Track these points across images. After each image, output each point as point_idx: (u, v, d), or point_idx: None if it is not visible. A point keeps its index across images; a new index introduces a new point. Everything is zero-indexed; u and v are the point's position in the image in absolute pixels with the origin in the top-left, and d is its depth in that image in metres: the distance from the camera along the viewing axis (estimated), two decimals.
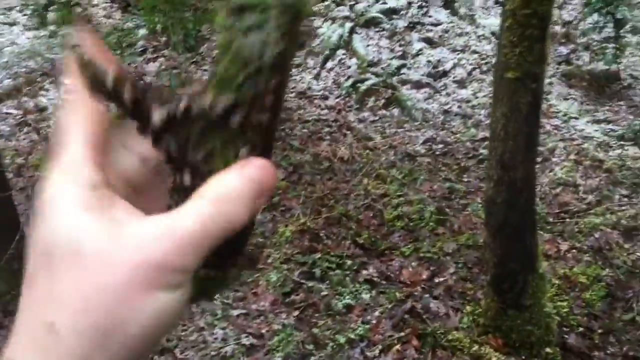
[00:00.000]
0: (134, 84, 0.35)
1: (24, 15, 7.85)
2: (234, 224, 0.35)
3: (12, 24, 7.68)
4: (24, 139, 5.08)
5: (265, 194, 0.36)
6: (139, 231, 0.34)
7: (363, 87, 5.94)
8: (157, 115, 0.35)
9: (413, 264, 3.48)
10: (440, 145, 5.05)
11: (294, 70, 6.68)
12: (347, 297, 3.17)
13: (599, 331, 2.92)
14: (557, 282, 3.24)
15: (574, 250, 3.56)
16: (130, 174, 0.39)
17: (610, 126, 5.35)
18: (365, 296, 3.19)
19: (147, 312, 0.34)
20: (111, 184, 0.36)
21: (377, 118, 5.58)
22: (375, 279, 3.34)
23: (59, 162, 0.36)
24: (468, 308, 3.03)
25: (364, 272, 3.40)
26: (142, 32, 6.19)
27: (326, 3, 7.55)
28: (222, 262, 0.38)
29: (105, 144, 0.37)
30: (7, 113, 5.47)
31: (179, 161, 0.37)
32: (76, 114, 0.37)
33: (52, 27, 7.32)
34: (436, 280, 3.35)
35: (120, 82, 0.35)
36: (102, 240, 0.33)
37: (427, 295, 3.19)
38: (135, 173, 0.39)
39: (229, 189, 0.35)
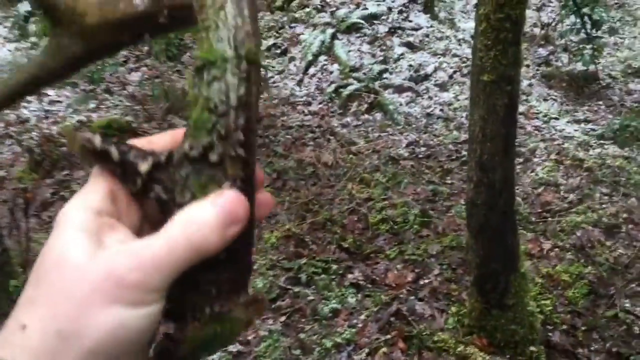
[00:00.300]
0: (118, 145, 0.41)
1: (4, 27, 7.80)
2: (203, 249, 0.38)
3: None
4: (6, 152, 5.04)
5: (236, 223, 0.39)
6: (115, 251, 0.38)
7: (346, 92, 5.98)
8: (144, 166, 0.41)
9: (398, 266, 3.50)
10: (423, 148, 5.09)
11: (277, 76, 6.70)
12: (333, 301, 3.19)
13: (583, 328, 2.96)
14: (540, 280, 3.28)
15: (557, 249, 3.60)
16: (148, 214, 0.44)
17: (590, 126, 5.44)
18: (351, 300, 3.21)
19: (104, 325, 0.36)
20: (123, 214, 0.42)
21: (360, 123, 5.62)
22: (360, 282, 3.36)
23: (84, 188, 0.42)
24: (453, 309, 3.06)
25: (350, 276, 3.42)
26: None
27: (307, 10, 7.58)
28: (223, 297, 0.41)
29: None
30: None
31: (169, 205, 0.41)
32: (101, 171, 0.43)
33: (33, 39, 7.28)
34: (421, 282, 3.37)
35: (105, 145, 0.41)
36: (84, 257, 0.37)
37: (412, 298, 3.21)
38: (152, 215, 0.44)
39: (199, 216, 0.38)
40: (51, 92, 6.03)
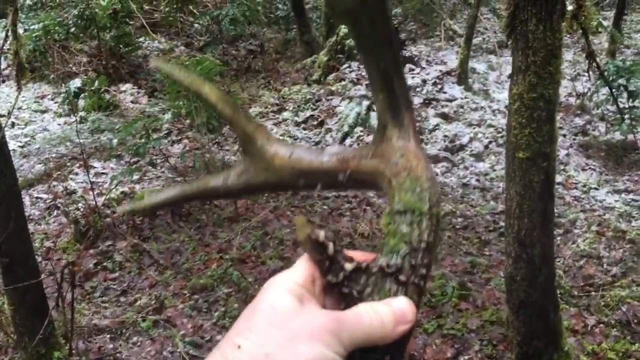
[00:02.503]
0: (334, 243, 0.53)
1: (55, 102, 8.24)
2: (378, 333, 0.50)
3: (44, 112, 8.05)
4: (53, 222, 5.22)
5: (404, 323, 0.52)
6: (316, 310, 0.51)
7: None
8: (349, 266, 0.53)
9: (437, 341, 3.44)
10: (460, 219, 5.07)
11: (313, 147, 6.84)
12: None
13: None
14: (585, 359, 3.17)
15: (601, 325, 3.49)
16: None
17: (631, 196, 5.34)
18: None
19: (306, 356, 0.47)
20: (316, 294, 0.54)
21: None
22: None
23: (290, 269, 0.55)
24: None
25: None
26: (168, 116, 6.45)
27: (343, 83, 7.81)
28: None
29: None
30: (37, 197, 5.65)
31: (353, 299, 0.53)
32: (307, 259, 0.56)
33: (82, 114, 7.66)
34: (461, 359, 3.30)
35: (326, 240, 0.53)
36: (292, 308, 0.50)
37: None
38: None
39: (380, 309, 0.51)
40: (97, 165, 6.28)
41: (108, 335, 3.70)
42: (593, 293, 3.83)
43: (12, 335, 3.15)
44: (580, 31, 3.01)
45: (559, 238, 4.50)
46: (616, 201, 5.24)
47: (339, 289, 0.53)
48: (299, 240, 0.54)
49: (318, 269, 0.54)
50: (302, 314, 0.50)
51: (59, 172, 6.13)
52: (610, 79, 5.74)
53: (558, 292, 2.85)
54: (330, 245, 0.52)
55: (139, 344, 3.64)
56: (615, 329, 3.43)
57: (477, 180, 5.87)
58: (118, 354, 3.53)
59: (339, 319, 0.50)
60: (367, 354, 0.51)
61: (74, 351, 3.10)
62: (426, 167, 0.57)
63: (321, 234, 0.52)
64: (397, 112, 0.58)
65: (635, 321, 3.48)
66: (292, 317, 0.49)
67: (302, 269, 0.54)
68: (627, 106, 5.94)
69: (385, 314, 0.51)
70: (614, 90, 5.93)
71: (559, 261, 4.07)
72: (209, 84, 0.64)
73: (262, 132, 0.61)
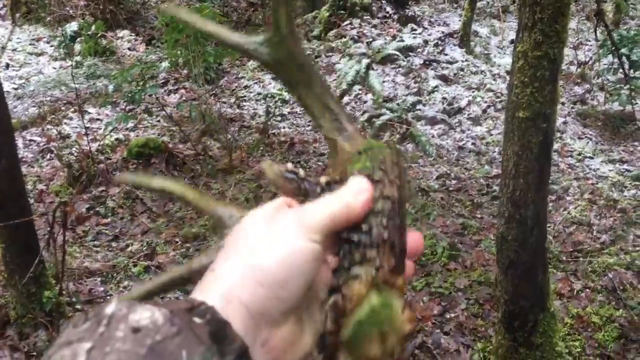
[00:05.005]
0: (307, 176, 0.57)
1: (51, 46, 8.09)
2: (337, 209, 0.51)
3: (39, 54, 7.92)
4: (46, 165, 5.19)
5: (362, 193, 0.52)
6: (283, 214, 0.53)
7: (378, 122, 6.02)
8: (324, 179, 0.56)
9: (424, 298, 3.48)
10: (454, 181, 5.08)
11: None
12: None
13: None
14: (569, 321, 3.22)
15: (587, 290, 3.54)
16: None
17: (625, 166, 5.36)
18: None
19: (281, 252, 0.49)
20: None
21: None
22: None
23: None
24: (479, 345, 3.02)
25: None
26: (165, 64, 6.35)
27: (344, 40, 7.69)
28: (385, 270, 0.51)
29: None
30: (31, 140, 5.60)
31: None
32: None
33: (77, 58, 7.54)
34: (447, 316, 3.34)
35: (295, 167, 0.56)
36: (263, 223, 0.52)
37: (437, 331, 3.19)
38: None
39: (335, 191, 0.53)
40: (92, 110, 6.21)
41: (99, 279, 3.72)
42: (581, 259, 3.87)
43: (2, 273, 3.16)
44: None
45: (551, 204, 4.52)
46: (610, 170, 5.26)
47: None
48: (269, 179, 0.57)
49: (295, 195, 0.56)
50: (273, 222, 0.52)
51: (53, 116, 6.06)
52: (613, 48, 5.68)
53: (547, 256, 2.87)
54: (301, 170, 0.56)
55: (129, 287, 3.66)
56: (601, 295, 3.48)
57: (473, 144, 5.86)
58: (108, 297, 3.56)
59: (300, 209, 0.52)
60: (351, 234, 0.52)
61: (64, 291, 3.11)
62: None
63: (289, 165, 0.57)
64: (341, 125, 0.61)
65: (621, 288, 3.53)
66: (263, 224, 0.52)
67: (276, 201, 0.56)
68: (628, 76, 5.89)
69: (341, 191, 0.53)
70: (616, 59, 5.89)
71: (549, 226, 4.09)
72: (189, 186, 0.67)
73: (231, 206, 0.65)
